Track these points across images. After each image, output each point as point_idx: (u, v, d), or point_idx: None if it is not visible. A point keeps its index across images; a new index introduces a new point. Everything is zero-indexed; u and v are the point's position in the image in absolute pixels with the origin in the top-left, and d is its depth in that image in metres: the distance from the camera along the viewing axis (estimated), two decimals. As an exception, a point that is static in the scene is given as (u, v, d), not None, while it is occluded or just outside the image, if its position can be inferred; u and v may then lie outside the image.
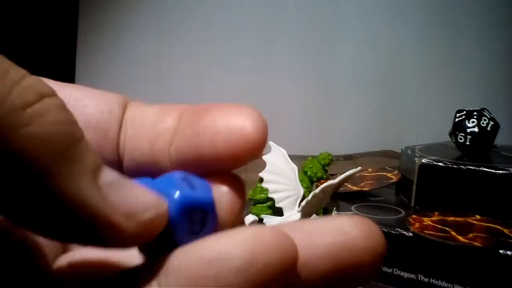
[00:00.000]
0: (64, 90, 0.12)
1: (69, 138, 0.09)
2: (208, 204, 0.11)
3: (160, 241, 0.10)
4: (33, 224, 0.09)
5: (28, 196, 0.09)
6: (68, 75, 1.04)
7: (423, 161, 0.37)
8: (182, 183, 0.11)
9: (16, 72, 0.09)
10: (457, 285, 0.29)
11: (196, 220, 0.11)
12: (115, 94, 0.14)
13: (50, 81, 0.12)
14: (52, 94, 0.09)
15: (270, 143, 0.47)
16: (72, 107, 0.10)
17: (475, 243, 0.29)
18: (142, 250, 0.11)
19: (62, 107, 0.09)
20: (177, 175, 0.11)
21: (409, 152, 0.41)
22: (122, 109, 0.13)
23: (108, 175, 0.10)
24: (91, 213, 0.09)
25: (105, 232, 0.09)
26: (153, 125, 0.13)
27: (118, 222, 0.09)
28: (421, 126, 0.89)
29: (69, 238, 0.10)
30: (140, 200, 0.10)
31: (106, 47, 1.03)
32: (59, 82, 0.13)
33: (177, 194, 0.10)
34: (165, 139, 0.12)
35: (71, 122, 0.09)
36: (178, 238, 0.10)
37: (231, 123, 0.11)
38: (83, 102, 0.13)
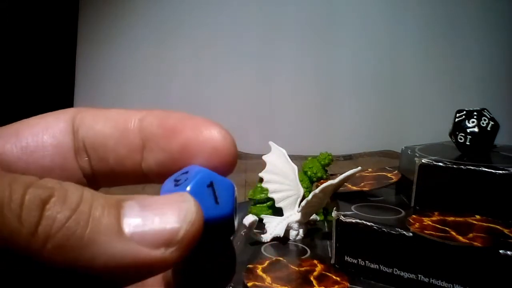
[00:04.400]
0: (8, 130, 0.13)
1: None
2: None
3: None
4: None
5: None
6: (68, 75, 1.04)
7: (423, 161, 0.37)
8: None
9: None
10: (457, 285, 0.29)
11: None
12: (62, 113, 0.14)
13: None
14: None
15: (270, 143, 0.47)
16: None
17: (475, 243, 0.29)
18: None
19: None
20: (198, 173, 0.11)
21: (409, 152, 0.41)
22: (71, 132, 0.14)
23: (129, 213, 0.10)
24: (132, 263, 0.10)
25: (151, 270, 0.10)
26: (117, 142, 0.13)
27: (160, 258, 0.10)
28: (421, 126, 0.89)
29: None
30: (168, 221, 0.10)
31: (106, 47, 1.03)
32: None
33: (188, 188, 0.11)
34: (135, 157, 0.13)
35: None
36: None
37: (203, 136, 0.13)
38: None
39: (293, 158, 0.46)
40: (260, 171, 0.46)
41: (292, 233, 0.43)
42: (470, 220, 0.33)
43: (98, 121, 0.14)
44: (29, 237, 0.09)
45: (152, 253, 0.10)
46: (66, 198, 0.09)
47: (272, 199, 0.46)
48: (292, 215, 0.43)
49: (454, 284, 0.29)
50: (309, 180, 0.51)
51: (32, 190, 0.09)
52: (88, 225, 0.09)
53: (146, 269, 0.10)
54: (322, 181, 0.50)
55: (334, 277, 0.33)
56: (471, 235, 0.30)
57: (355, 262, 0.34)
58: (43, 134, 0.13)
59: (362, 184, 0.43)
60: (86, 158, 0.14)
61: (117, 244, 0.09)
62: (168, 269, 0.10)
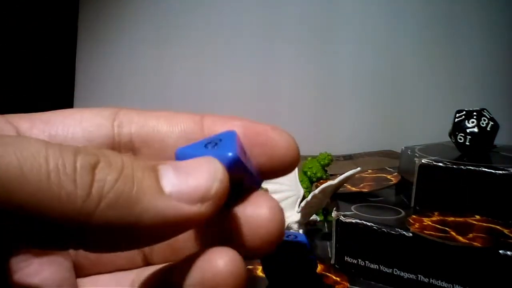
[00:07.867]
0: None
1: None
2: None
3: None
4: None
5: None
6: (68, 75, 1.04)
7: (423, 161, 0.37)
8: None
9: None
10: (457, 285, 0.29)
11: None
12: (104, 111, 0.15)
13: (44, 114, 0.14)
14: None
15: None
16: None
17: (475, 243, 0.29)
18: None
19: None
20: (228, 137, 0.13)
21: (409, 152, 0.41)
22: (110, 127, 0.14)
23: (166, 175, 0.11)
24: (173, 217, 0.11)
25: (189, 223, 0.11)
26: (178, 138, 0.15)
27: (197, 212, 0.11)
28: (421, 126, 0.89)
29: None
30: (202, 177, 0.11)
31: (106, 47, 1.03)
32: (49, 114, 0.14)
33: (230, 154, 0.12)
34: None
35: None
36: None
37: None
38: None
39: (293, 158, 0.46)
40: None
41: (292, 233, 0.43)
42: (470, 220, 0.33)
43: (149, 119, 0.14)
44: (84, 198, 0.10)
45: (190, 208, 0.11)
46: (111, 163, 0.10)
47: (272, 199, 0.46)
48: (292, 215, 0.43)
49: (454, 284, 0.29)
50: (308, 180, 0.51)
51: (81, 156, 0.10)
52: (134, 186, 0.10)
53: (185, 223, 0.11)
54: (321, 181, 0.50)
55: (334, 277, 0.33)
56: (471, 235, 0.30)
57: (355, 262, 0.34)
58: (76, 126, 0.14)
59: (362, 185, 0.43)
60: (130, 153, 0.14)
61: (160, 202, 0.10)
62: (203, 223, 0.11)
